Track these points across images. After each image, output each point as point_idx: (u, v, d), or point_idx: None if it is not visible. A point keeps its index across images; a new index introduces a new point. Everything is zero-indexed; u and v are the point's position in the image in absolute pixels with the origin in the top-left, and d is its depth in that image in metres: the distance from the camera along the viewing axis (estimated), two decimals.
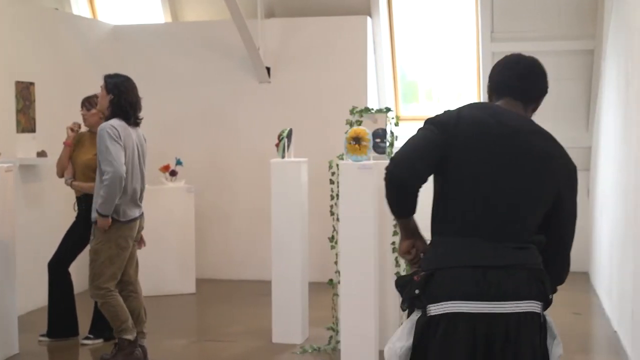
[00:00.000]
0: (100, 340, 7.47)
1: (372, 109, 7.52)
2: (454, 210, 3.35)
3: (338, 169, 7.03)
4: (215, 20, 11.03)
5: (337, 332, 7.22)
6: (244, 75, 10.56)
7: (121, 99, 6.60)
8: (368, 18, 10.54)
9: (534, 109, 3.58)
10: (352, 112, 7.49)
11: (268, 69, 10.47)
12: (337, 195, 7.11)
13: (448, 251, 3.31)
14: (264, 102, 10.55)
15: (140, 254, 7.05)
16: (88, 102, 7.43)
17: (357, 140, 6.82)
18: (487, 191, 3.31)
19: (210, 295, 9.78)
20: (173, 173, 9.83)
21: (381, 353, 6.91)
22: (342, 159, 7.14)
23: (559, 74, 9.85)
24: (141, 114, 6.78)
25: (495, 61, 3.66)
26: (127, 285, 6.82)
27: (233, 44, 10.30)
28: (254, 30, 9.98)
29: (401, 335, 3.34)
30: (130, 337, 6.68)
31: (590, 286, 9.56)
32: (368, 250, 6.79)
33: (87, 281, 6.68)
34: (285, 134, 7.64)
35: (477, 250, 3.27)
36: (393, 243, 7.18)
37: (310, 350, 7.24)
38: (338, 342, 7.11)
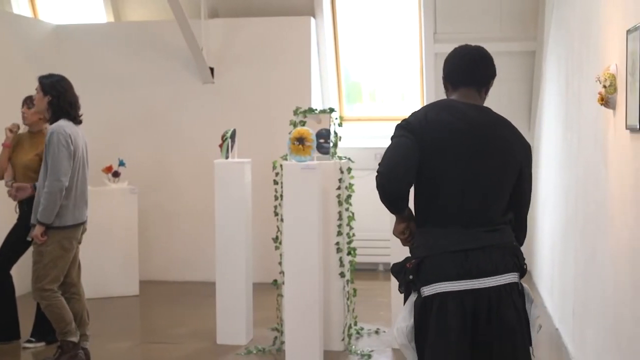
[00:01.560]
0: (42, 344, 7.38)
1: (316, 110, 7.54)
2: (434, 205, 3.75)
3: (282, 169, 7.03)
4: (158, 20, 10.96)
5: (281, 332, 7.22)
6: (188, 76, 10.52)
7: (60, 99, 6.52)
8: (312, 19, 10.55)
9: (487, 91, 3.99)
10: (295, 112, 7.50)
11: (212, 70, 10.43)
12: (281, 195, 7.11)
13: (433, 240, 3.71)
14: (208, 103, 10.51)
15: (83, 255, 6.97)
16: (30, 101, 7.29)
17: (300, 140, 6.83)
18: (461, 186, 3.70)
19: (154, 297, 9.71)
20: (116, 174, 9.75)
21: (326, 353, 6.98)
22: (285, 159, 7.14)
23: (501, 75, 9.71)
24: (80, 112, 6.70)
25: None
26: (69, 287, 6.74)
27: (176, 44, 10.24)
28: (197, 31, 9.94)
29: (404, 316, 3.75)
30: (74, 339, 6.62)
31: (533, 284, 9.67)
32: (312, 251, 6.80)
33: (30, 284, 6.60)
34: (229, 135, 7.62)
35: (457, 237, 3.68)
36: (337, 243, 7.21)
37: (255, 351, 7.22)
38: (283, 342, 7.10)
